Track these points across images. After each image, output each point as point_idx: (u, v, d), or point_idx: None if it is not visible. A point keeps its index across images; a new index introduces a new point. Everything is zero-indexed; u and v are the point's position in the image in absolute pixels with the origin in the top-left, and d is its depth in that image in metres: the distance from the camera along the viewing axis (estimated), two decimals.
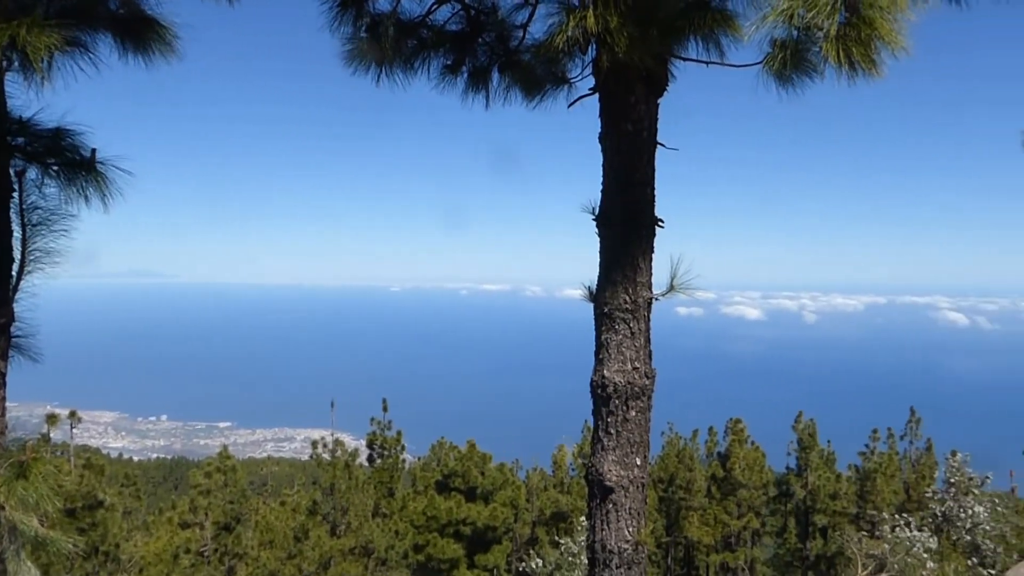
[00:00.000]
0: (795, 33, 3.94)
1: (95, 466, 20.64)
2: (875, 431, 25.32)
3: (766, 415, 37.68)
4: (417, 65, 5.63)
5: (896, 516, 19.03)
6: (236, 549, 22.94)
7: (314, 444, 22.14)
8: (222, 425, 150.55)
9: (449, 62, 5.68)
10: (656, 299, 5.19)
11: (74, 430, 22.42)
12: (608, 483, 5.18)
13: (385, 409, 24.06)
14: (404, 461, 25.32)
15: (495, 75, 5.75)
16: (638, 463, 5.23)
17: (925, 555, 15.44)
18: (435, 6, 5.47)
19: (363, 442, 24.60)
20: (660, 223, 5.19)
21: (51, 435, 20.13)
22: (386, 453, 24.55)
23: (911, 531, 16.79)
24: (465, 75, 5.77)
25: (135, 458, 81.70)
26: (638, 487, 5.24)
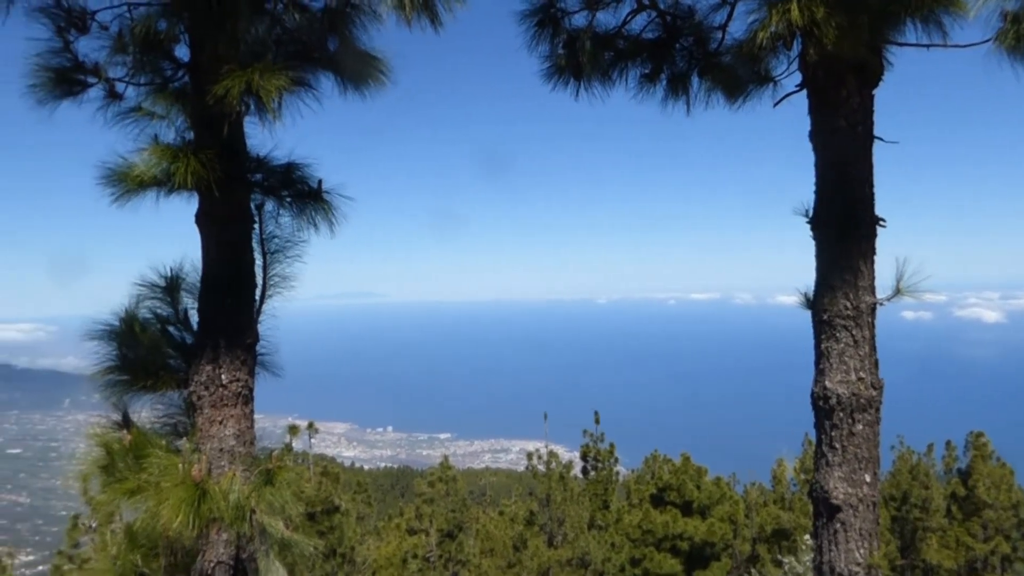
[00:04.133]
0: None
1: (331, 474, 22.22)
2: None
3: (1010, 428, 33.97)
4: (615, 76, 5.63)
5: None
6: (459, 556, 23.84)
7: (529, 456, 22.61)
8: (442, 436, 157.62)
9: (647, 71, 5.64)
10: (880, 304, 4.83)
11: (312, 440, 24.24)
12: (835, 501, 4.87)
13: (597, 421, 24.08)
14: (617, 473, 25.23)
15: (695, 80, 5.63)
16: (867, 480, 4.88)
17: None
18: (631, 16, 5.45)
19: (576, 454, 24.75)
20: (881, 222, 4.84)
21: (293, 445, 21.87)
22: (599, 465, 24.57)
23: None
24: (664, 82, 5.69)
25: (365, 467, 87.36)
26: (868, 506, 4.89)
